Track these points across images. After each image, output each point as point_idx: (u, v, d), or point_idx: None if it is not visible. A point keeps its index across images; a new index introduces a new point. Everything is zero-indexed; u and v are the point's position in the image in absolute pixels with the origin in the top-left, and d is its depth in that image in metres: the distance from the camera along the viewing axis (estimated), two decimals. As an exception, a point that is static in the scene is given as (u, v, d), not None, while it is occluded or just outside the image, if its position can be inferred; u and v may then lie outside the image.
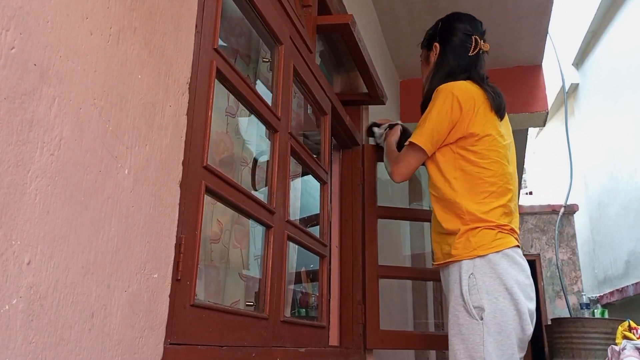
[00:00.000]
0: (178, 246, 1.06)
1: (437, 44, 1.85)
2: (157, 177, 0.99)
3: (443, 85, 1.72)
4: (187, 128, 1.11)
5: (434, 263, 1.78)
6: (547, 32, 3.68)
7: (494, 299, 1.55)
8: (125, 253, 0.89)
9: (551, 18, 3.53)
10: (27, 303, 0.67)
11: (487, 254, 1.59)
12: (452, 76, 1.77)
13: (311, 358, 1.65)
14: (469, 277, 1.58)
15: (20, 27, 0.67)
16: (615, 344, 3.32)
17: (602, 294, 5.15)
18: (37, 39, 0.70)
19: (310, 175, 2.03)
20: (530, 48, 3.82)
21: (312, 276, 2.70)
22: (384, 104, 2.75)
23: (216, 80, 1.22)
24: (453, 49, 1.81)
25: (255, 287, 1.73)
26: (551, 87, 5.05)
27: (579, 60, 5.87)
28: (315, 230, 2.14)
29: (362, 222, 2.45)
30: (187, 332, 1.05)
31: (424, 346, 2.89)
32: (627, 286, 4.65)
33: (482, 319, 1.53)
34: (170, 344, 0.99)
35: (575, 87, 6.07)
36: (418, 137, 1.72)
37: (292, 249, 1.97)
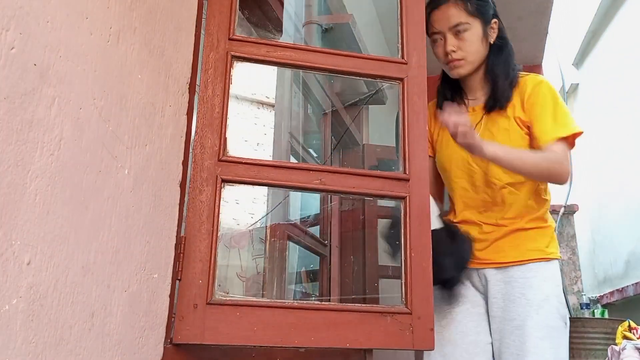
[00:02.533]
0: (178, 246, 1.06)
1: (497, 22, 1.55)
2: (157, 177, 0.99)
3: (544, 79, 1.54)
4: (193, 123, 1.11)
5: (505, 261, 1.49)
6: (547, 32, 3.68)
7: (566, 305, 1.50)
8: (125, 253, 0.89)
9: (551, 18, 3.53)
10: (27, 303, 0.67)
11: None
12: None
13: (311, 357, 1.65)
14: (561, 279, 1.50)
15: (20, 27, 0.67)
16: (615, 344, 3.32)
17: (602, 294, 5.15)
18: (37, 39, 0.70)
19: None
20: (530, 48, 3.82)
21: (313, 276, 2.70)
22: (384, 103, 2.75)
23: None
24: (505, 34, 1.58)
25: (254, 287, 1.73)
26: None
27: (579, 60, 5.88)
28: (315, 230, 2.14)
29: (363, 222, 2.45)
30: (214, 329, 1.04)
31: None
32: (627, 286, 4.65)
33: (566, 324, 1.46)
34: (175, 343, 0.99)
35: (575, 87, 6.08)
36: (573, 126, 1.46)
37: (293, 249, 1.97)
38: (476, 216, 1.54)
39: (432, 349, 1.15)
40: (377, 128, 2.86)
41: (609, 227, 5.24)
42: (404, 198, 1.22)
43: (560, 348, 1.42)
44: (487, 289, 1.50)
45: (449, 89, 1.58)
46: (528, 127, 1.48)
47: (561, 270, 1.64)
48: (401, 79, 1.30)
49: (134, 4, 0.94)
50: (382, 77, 1.34)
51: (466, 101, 1.58)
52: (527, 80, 1.51)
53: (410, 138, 1.26)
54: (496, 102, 1.51)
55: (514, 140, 1.48)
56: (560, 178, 1.46)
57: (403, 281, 1.17)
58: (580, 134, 1.45)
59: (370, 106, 2.84)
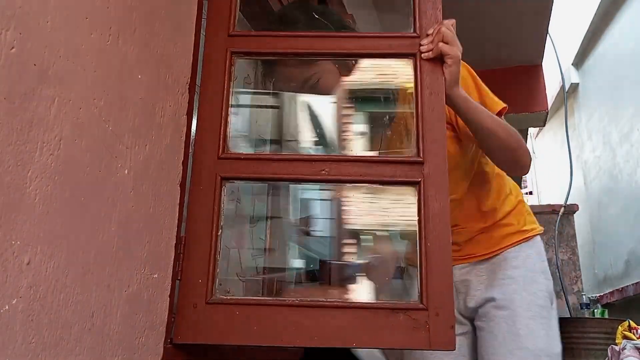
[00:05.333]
0: (178, 246, 1.06)
1: None
2: (157, 177, 0.99)
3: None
4: (197, 123, 1.11)
5: (482, 253, 1.40)
6: (547, 32, 3.68)
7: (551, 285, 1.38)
8: (125, 253, 0.89)
9: (551, 18, 3.53)
10: (27, 303, 0.67)
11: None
12: None
13: (311, 357, 1.65)
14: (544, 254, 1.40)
15: (20, 27, 0.67)
16: (615, 344, 3.32)
17: (602, 294, 5.15)
18: (37, 39, 0.70)
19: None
20: (530, 48, 3.82)
21: (312, 276, 2.69)
22: (384, 103, 2.75)
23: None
24: None
25: (253, 287, 1.73)
26: (551, 87, 5.05)
27: (579, 60, 5.87)
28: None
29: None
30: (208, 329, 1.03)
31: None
32: (627, 286, 4.65)
33: (552, 302, 1.36)
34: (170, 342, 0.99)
35: (575, 87, 6.08)
36: (498, 100, 1.33)
37: (293, 249, 1.97)
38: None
39: (452, 349, 1.01)
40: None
41: (609, 227, 5.24)
42: (417, 183, 1.10)
43: (551, 329, 1.32)
44: (469, 289, 1.39)
45: None
46: (451, 123, 1.30)
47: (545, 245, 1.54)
48: (413, 55, 1.17)
49: (134, 4, 0.94)
50: (393, 55, 1.22)
51: None
52: None
53: (424, 116, 1.13)
54: None
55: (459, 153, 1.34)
56: (525, 163, 1.30)
57: (417, 274, 1.06)
58: (505, 109, 1.31)
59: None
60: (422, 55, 1.15)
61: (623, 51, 4.76)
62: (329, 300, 1.08)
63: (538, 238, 1.42)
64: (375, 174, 1.13)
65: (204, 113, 1.14)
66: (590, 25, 5.32)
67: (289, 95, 1.96)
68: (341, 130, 1.61)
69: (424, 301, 1.03)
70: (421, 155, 1.11)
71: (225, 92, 1.15)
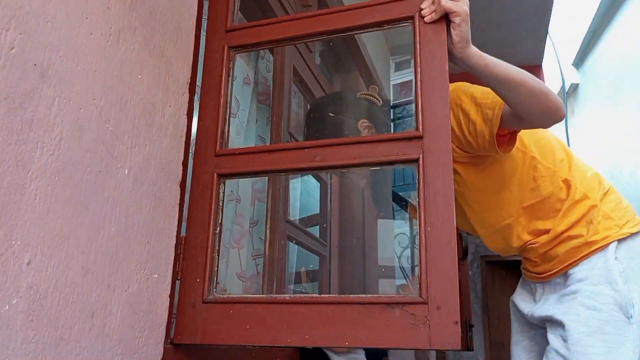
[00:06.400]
0: (178, 246, 1.06)
1: None
2: (157, 177, 0.99)
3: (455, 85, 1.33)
4: (197, 121, 1.11)
5: (549, 272, 1.29)
6: (547, 32, 3.68)
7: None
8: (125, 253, 0.89)
9: (551, 18, 3.53)
10: (27, 303, 0.67)
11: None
12: None
13: (311, 357, 1.65)
14: (615, 259, 1.22)
15: (20, 27, 0.67)
16: (615, 344, 3.32)
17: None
18: (37, 39, 0.70)
19: (310, 176, 2.03)
20: (530, 48, 3.82)
21: (312, 276, 2.70)
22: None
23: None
24: None
25: (254, 287, 1.73)
26: (551, 87, 5.05)
27: (579, 60, 5.87)
28: (314, 230, 2.14)
29: (363, 223, 2.45)
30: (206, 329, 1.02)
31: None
32: (627, 286, 4.64)
33: (629, 318, 1.17)
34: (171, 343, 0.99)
35: (575, 87, 6.07)
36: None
37: (292, 249, 1.97)
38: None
39: (457, 348, 0.89)
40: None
41: (608, 227, 5.24)
42: (416, 160, 0.99)
43: (617, 347, 1.14)
44: (535, 299, 1.33)
45: None
46: (466, 149, 1.23)
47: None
48: (411, 17, 1.07)
49: (134, 4, 0.94)
50: (391, 22, 1.10)
51: None
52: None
53: (424, 86, 1.02)
54: None
55: (479, 182, 1.28)
56: (557, 99, 1.15)
57: (417, 264, 0.94)
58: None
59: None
60: (425, 18, 1.03)
61: (623, 51, 4.76)
62: (319, 296, 1.02)
63: (613, 245, 1.23)
64: (370, 154, 1.04)
65: (204, 113, 1.14)
66: (590, 25, 5.32)
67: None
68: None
69: (423, 294, 0.91)
70: (420, 129, 1.00)
71: (223, 89, 1.14)
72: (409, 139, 1.00)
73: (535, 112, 1.13)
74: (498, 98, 1.15)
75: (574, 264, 1.24)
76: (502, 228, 1.32)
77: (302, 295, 1.02)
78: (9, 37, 0.66)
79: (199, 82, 1.18)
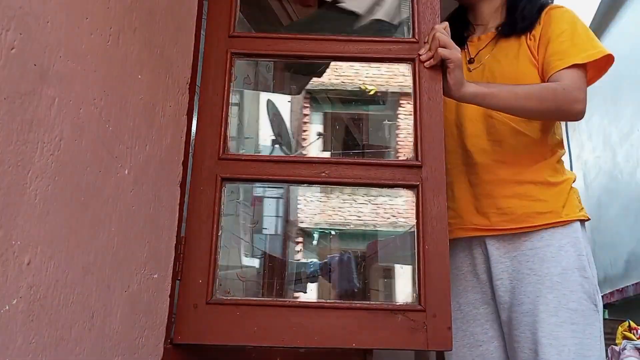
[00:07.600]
0: (178, 246, 1.06)
1: None
2: (157, 177, 1.00)
3: (569, 10, 1.31)
4: (199, 122, 1.11)
5: (508, 227, 1.23)
6: (547, 32, 3.68)
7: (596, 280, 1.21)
8: (125, 253, 0.89)
9: (551, 18, 3.53)
10: (27, 303, 0.67)
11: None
12: None
13: (311, 358, 1.65)
14: (585, 246, 1.22)
15: (20, 27, 0.67)
16: (615, 344, 3.33)
17: (602, 294, 5.17)
18: (37, 39, 0.70)
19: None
20: (530, 48, 3.82)
21: (312, 277, 2.70)
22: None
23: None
24: None
25: (253, 287, 1.73)
26: (551, 87, 5.06)
27: (579, 60, 5.87)
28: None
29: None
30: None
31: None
32: (627, 286, 4.65)
33: (596, 306, 1.17)
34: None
35: (575, 87, 6.07)
36: (594, 51, 1.21)
37: (292, 249, 1.97)
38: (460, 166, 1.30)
39: (449, 349, 1.05)
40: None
41: (608, 227, 5.24)
42: (415, 187, 1.12)
43: (587, 338, 1.14)
44: (490, 266, 1.24)
45: (458, 24, 1.36)
46: (538, 60, 1.25)
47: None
48: (412, 60, 1.19)
49: (134, 4, 0.94)
50: (392, 60, 1.24)
51: (473, 29, 1.38)
52: (554, 12, 1.28)
53: (423, 120, 1.15)
54: (514, 26, 1.28)
55: (522, 70, 1.26)
56: (570, 109, 1.19)
57: (416, 276, 1.08)
58: (604, 58, 1.21)
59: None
60: (425, 64, 1.17)
61: (623, 51, 4.76)
62: (328, 301, 1.09)
63: (577, 226, 1.22)
64: (374, 177, 1.15)
65: (204, 113, 1.14)
66: (590, 25, 5.33)
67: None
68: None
69: (422, 303, 1.06)
70: (419, 159, 1.14)
71: (225, 92, 1.16)
72: (410, 167, 1.15)
73: (548, 118, 1.28)
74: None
75: (530, 229, 1.21)
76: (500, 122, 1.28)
77: (309, 300, 1.10)
78: (9, 37, 0.66)
79: (199, 82, 1.18)
